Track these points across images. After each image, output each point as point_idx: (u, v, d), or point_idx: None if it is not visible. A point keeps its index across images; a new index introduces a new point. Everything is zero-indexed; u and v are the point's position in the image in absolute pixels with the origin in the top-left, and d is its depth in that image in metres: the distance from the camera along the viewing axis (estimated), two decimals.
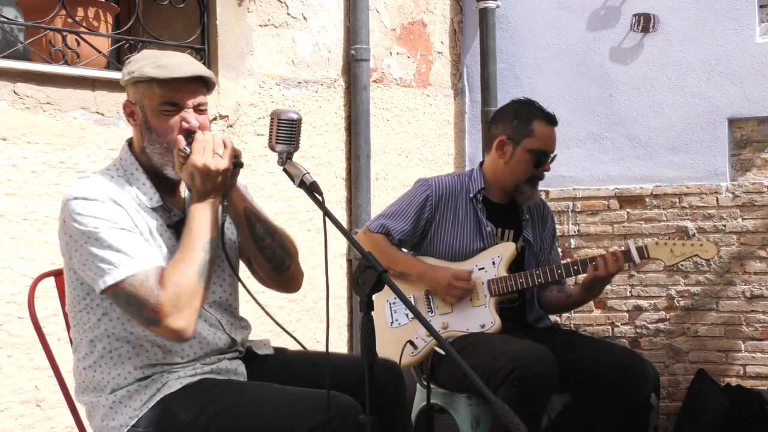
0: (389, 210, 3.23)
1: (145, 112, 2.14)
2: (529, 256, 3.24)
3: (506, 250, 3.14)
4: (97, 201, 2.06)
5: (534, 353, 2.79)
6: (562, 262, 3.18)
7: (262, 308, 2.26)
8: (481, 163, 3.29)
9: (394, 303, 3.15)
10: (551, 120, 3.18)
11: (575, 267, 3.06)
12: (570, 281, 3.45)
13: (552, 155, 3.18)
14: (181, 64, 2.15)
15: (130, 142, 2.25)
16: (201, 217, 2.09)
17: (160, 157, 2.15)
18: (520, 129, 3.13)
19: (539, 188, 3.27)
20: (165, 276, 2.03)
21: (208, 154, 2.08)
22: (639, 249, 3.05)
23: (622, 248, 3.15)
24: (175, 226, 2.20)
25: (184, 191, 2.28)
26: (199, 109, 2.17)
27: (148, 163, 2.18)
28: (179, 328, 2.01)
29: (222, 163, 2.09)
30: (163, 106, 2.12)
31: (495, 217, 3.21)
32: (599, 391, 2.94)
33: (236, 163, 2.15)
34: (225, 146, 2.12)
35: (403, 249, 3.27)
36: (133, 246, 2.04)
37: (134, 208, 2.13)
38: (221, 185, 2.12)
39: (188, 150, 2.10)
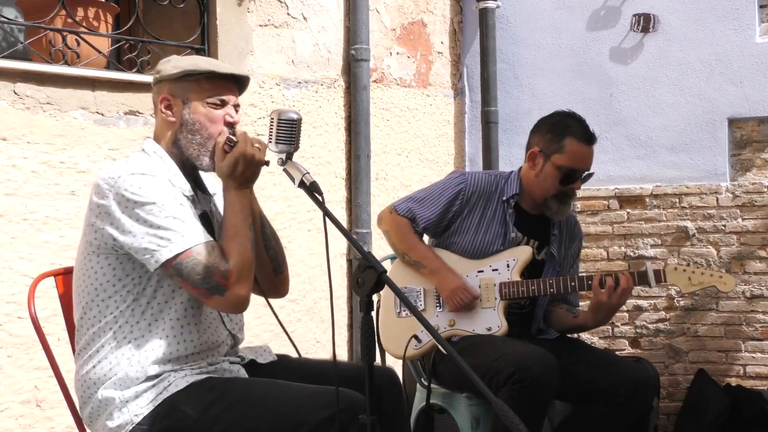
0: (420, 195, 3.19)
1: (189, 105, 2.23)
2: (549, 269, 3.17)
3: (522, 253, 3.09)
4: (155, 177, 2.13)
5: (536, 356, 2.77)
6: (579, 276, 3.10)
7: (272, 309, 2.32)
8: (521, 168, 3.21)
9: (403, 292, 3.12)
10: (587, 139, 3.07)
11: (589, 282, 2.99)
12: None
13: (585, 174, 3.10)
14: (227, 66, 2.32)
15: (154, 138, 2.31)
16: (241, 203, 2.18)
17: (197, 148, 2.24)
18: (552, 143, 3.06)
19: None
20: (226, 248, 2.12)
21: (250, 145, 2.18)
22: (657, 273, 2.96)
23: (640, 269, 3.07)
24: (199, 218, 2.25)
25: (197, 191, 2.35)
26: (236, 109, 2.29)
27: (177, 156, 2.26)
28: (244, 295, 2.11)
29: (261, 155, 2.19)
30: (212, 99, 2.23)
31: (523, 226, 3.15)
32: (605, 407, 2.92)
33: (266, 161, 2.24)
34: (261, 143, 2.22)
35: (425, 236, 3.24)
36: (193, 219, 2.13)
37: (177, 191, 2.20)
38: (255, 177, 2.22)
39: (235, 139, 2.20)
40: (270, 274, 2.37)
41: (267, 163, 2.22)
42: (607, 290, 2.94)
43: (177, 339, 2.18)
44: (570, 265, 3.28)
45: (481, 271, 3.10)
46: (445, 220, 3.15)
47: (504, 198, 3.13)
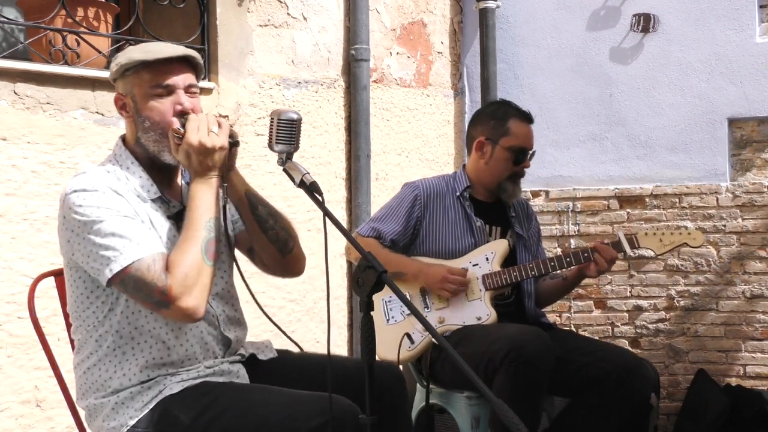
0: (379, 214, 3.27)
1: (136, 101, 2.15)
2: (522, 249, 3.28)
3: (499, 246, 3.18)
4: (98, 191, 2.06)
5: (530, 334, 2.84)
6: (557, 255, 3.23)
7: (258, 303, 2.26)
8: (464, 166, 3.35)
9: (389, 301, 3.18)
10: (527, 118, 3.25)
11: (568, 259, 3.12)
12: None
13: (530, 152, 3.25)
14: (166, 47, 2.17)
15: (123, 138, 2.25)
16: (201, 197, 2.09)
17: (156, 144, 2.16)
18: (497, 128, 3.21)
19: (522, 187, 3.35)
20: (170, 259, 2.03)
21: (203, 132, 2.08)
22: (629, 239, 3.13)
23: (614, 240, 3.19)
24: (175, 217, 2.19)
25: (181, 183, 2.28)
26: (190, 91, 2.18)
27: (143, 155, 2.19)
28: (190, 306, 2.01)
29: (218, 140, 2.10)
30: (154, 89, 2.13)
31: (482, 214, 3.26)
32: (599, 395, 2.95)
33: (232, 142, 2.16)
34: (220, 126, 2.12)
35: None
36: (137, 232, 2.04)
37: (134, 199, 2.13)
38: (219, 164, 2.12)
39: (183, 130, 2.10)
40: (276, 255, 2.31)
41: (236, 144, 2.15)
42: (594, 267, 3.10)
43: (166, 345, 2.14)
44: (536, 245, 3.40)
45: (463, 269, 3.13)
46: (409, 227, 3.22)
47: (457, 194, 3.25)
